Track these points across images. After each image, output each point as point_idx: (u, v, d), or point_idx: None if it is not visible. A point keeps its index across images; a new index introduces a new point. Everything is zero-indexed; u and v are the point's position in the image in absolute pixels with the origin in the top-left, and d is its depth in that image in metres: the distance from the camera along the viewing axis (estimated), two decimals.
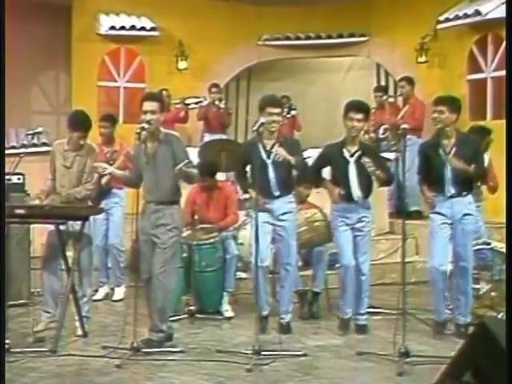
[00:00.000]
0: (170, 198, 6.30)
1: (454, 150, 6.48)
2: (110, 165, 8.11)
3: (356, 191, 6.72)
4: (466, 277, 6.57)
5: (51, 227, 6.65)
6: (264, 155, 6.72)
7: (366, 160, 6.57)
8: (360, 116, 6.64)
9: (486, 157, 7.75)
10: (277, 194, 6.76)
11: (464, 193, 6.54)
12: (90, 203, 6.81)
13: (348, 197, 6.72)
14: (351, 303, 6.82)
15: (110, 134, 8.35)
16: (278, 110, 6.74)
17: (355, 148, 6.74)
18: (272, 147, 6.69)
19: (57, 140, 7.06)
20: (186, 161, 6.12)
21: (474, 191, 6.76)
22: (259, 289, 6.51)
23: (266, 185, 6.68)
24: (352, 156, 6.73)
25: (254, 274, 6.44)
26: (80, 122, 6.75)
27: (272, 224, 6.74)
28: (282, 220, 6.76)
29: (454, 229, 6.54)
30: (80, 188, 6.67)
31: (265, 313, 6.78)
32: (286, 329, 6.80)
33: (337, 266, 6.99)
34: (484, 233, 7.69)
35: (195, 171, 6.31)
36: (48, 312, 6.73)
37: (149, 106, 6.23)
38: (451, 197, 6.51)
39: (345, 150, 6.75)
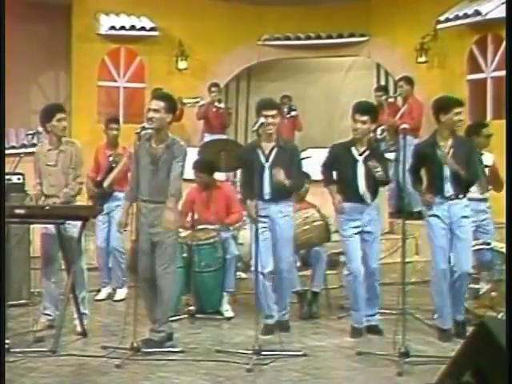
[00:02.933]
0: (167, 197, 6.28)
1: (451, 150, 6.41)
2: (113, 167, 8.15)
3: (364, 191, 6.59)
4: (463, 280, 6.47)
5: (44, 230, 6.68)
6: (262, 159, 6.65)
7: (373, 164, 6.49)
8: (364, 118, 6.52)
9: (490, 155, 7.74)
10: (273, 198, 6.64)
11: (461, 195, 6.49)
12: (90, 203, 6.83)
13: (356, 197, 6.60)
14: (364, 311, 6.72)
15: (116, 137, 8.35)
16: (273, 112, 6.58)
17: (364, 147, 6.62)
18: (271, 150, 6.63)
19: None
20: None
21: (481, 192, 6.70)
22: (261, 296, 6.49)
23: (263, 189, 6.63)
24: (361, 155, 6.62)
25: (255, 281, 6.33)
26: (53, 107, 6.83)
27: (269, 228, 6.66)
28: (277, 224, 6.67)
29: (451, 232, 6.47)
30: (73, 184, 6.70)
31: (269, 321, 6.72)
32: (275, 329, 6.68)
33: (345, 273, 6.80)
34: (492, 232, 7.69)
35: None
36: (48, 315, 6.78)
37: (154, 104, 6.20)
38: (449, 198, 6.45)
39: (353, 149, 6.62)
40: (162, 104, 6.17)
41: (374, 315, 6.80)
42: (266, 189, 6.65)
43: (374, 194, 6.68)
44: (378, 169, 6.49)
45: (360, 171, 6.60)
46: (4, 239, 5.90)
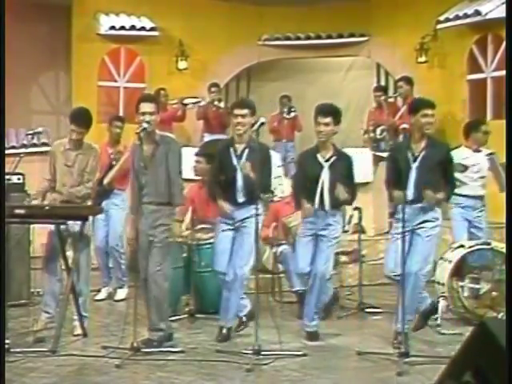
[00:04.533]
0: (168, 199, 6.30)
1: (422, 153, 6.19)
2: (113, 165, 8.15)
3: (326, 198, 6.41)
4: (417, 284, 6.17)
5: (51, 227, 6.67)
6: (234, 160, 6.50)
7: (338, 186, 6.31)
8: (327, 120, 6.39)
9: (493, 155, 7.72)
10: (242, 200, 6.47)
11: (424, 199, 6.16)
12: (89, 203, 6.81)
13: (315, 201, 6.43)
14: (311, 314, 6.60)
15: (119, 135, 8.35)
16: (244, 112, 6.43)
17: (329, 153, 6.46)
18: (243, 151, 6.48)
19: (57, 140, 7.07)
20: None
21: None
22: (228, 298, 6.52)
23: (233, 190, 6.48)
24: (327, 161, 6.46)
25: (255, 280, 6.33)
26: (85, 118, 6.76)
27: (232, 230, 6.52)
28: (241, 226, 6.47)
29: (412, 235, 6.20)
30: (81, 187, 6.68)
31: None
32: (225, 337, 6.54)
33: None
34: (487, 233, 7.69)
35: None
36: (48, 312, 6.75)
37: (147, 107, 6.27)
38: (412, 202, 6.14)
39: (319, 156, 6.47)
40: (153, 106, 6.31)
41: (312, 320, 6.58)
42: (235, 189, 6.50)
43: (337, 202, 6.46)
44: (341, 189, 6.32)
45: (325, 177, 6.42)
46: (4, 239, 5.90)
